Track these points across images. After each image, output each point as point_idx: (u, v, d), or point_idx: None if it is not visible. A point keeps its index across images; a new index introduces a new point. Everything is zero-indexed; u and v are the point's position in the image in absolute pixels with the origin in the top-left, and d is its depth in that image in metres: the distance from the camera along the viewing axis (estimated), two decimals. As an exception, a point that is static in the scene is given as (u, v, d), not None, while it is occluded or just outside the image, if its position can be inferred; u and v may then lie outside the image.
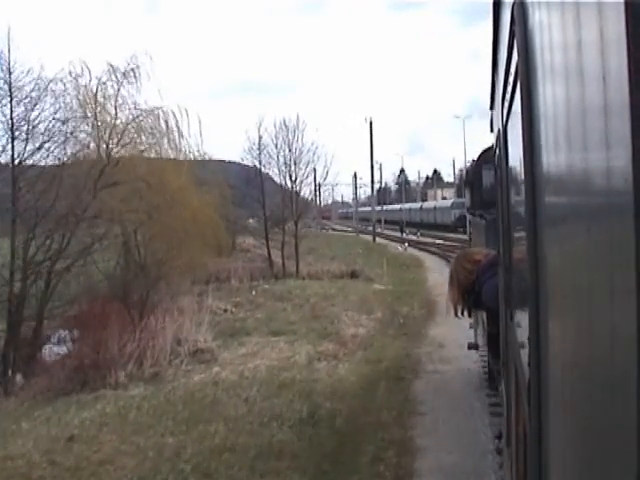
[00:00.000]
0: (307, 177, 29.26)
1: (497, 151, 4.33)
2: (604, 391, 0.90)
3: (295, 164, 28.79)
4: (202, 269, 29.93)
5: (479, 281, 4.99)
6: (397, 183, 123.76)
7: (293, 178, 28.90)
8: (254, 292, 22.25)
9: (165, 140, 20.59)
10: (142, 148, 20.00)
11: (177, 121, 20.76)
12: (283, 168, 28.92)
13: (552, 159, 1.42)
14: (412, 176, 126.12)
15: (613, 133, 0.79)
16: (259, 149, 28.51)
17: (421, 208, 72.75)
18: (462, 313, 5.42)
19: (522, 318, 2.15)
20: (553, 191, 1.42)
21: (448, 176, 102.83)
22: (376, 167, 73.34)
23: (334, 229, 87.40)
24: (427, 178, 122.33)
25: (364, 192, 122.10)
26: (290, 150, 28.60)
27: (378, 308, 19.47)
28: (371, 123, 53.57)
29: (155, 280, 20.90)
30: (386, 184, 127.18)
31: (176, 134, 20.77)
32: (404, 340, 15.24)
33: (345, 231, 77.37)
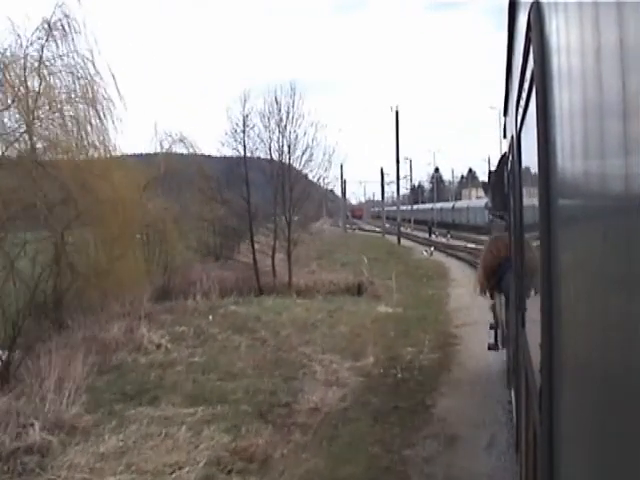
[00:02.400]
0: (304, 165, 22.95)
1: (511, 157, 4.29)
2: (618, 398, 0.86)
3: (289, 150, 22.56)
4: (187, 276, 24.15)
5: (502, 267, 5.35)
6: (431, 182, 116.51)
7: (287, 167, 22.59)
8: (211, 317, 16.12)
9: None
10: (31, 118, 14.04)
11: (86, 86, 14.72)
12: (276, 155, 22.67)
13: (568, 165, 1.38)
14: (447, 175, 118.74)
15: (631, 139, 0.77)
16: (244, 131, 22.36)
17: (453, 208, 65.71)
18: (485, 293, 5.91)
19: (534, 324, 2.07)
20: (568, 197, 1.38)
21: (483, 174, 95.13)
22: (406, 163, 66.68)
23: (362, 229, 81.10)
24: (462, 177, 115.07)
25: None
26: (282, 134, 22.38)
27: (373, 348, 13.13)
28: (397, 112, 47.04)
29: (59, 301, 15.21)
30: (420, 183, 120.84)
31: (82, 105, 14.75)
32: (392, 422, 8.91)
33: (374, 231, 70.93)
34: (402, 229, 72.11)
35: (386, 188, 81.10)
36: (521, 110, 2.64)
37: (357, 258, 34.68)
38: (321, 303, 18.78)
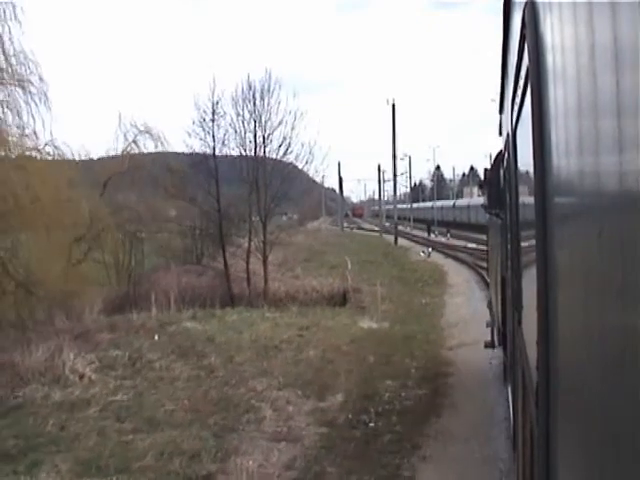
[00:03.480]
0: (281, 158, 20.04)
1: (506, 155, 4.32)
2: (614, 395, 0.85)
3: (264, 141, 19.71)
4: (156, 283, 21.38)
5: None
6: (432, 180, 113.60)
7: (261, 160, 19.71)
8: (157, 336, 13.35)
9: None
10: None
11: None
12: (250, 147, 19.80)
13: (563, 162, 1.38)
14: (448, 173, 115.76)
15: (625, 136, 0.77)
16: (213, 120, 19.49)
17: (454, 206, 62.80)
18: None
19: (530, 321, 2.07)
20: (563, 195, 1.38)
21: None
22: (405, 160, 63.82)
23: (361, 228, 78.23)
24: (463, 175, 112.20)
25: (398, 189, 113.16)
26: (256, 122, 19.53)
27: (345, 380, 10.39)
28: (394, 105, 44.08)
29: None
30: (421, 181, 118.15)
31: None
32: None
33: (372, 230, 68.02)
34: (401, 228, 69.33)
35: (386, 186, 78.30)
36: (516, 108, 2.62)
37: (350, 260, 31.99)
38: (294, 317, 15.96)
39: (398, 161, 52.63)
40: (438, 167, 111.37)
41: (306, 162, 20.61)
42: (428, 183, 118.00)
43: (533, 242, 1.83)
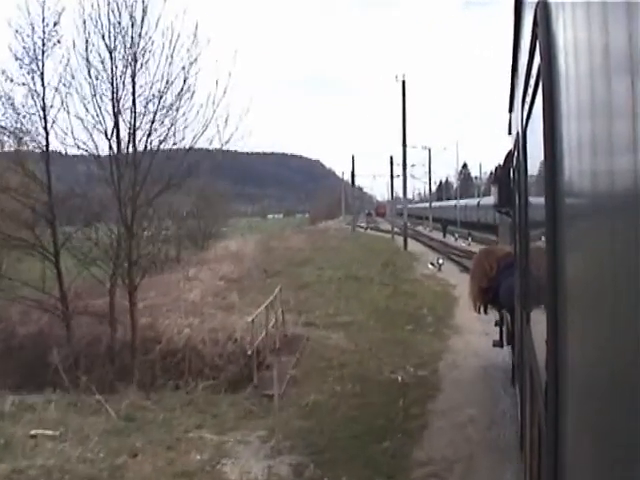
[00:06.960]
0: (164, 137, 11.23)
1: (516, 154, 4.31)
2: (624, 394, 0.82)
3: (134, 90, 10.96)
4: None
5: (497, 279, 5.09)
6: (459, 178, 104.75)
7: (128, 137, 10.99)
8: None
9: None
10: None
11: None
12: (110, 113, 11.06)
13: (574, 162, 1.33)
14: (475, 171, 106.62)
15: (637, 136, 0.75)
16: (43, 51, 10.78)
17: (479, 205, 53.14)
18: (479, 310, 5.48)
19: (539, 320, 2.03)
20: (573, 194, 1.34)
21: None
22: (424, 153, 54.45)
23: (377, 228, 69.04)
24: (491, 173, 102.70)
25: (423, 186, 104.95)
26: (112, 54, 10.78)
27: None
28: (404, 82, 34.78)
29: None
30: (447, 179, 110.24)
31: None
32: None
33: (388, 231, 58.88)
34: (421, 229, 60.17)
35: (411, 183, 69.06)
36: (527, 107, 2.56)
37: (333, 275, 23.21)
38: (92, 438, 6.99)
39: (417, 152, 43.73)
40: (465, 165, 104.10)
41: (204, 128, 11.76)
42: (454, 181, 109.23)
43: (542, 240, 1.78)
